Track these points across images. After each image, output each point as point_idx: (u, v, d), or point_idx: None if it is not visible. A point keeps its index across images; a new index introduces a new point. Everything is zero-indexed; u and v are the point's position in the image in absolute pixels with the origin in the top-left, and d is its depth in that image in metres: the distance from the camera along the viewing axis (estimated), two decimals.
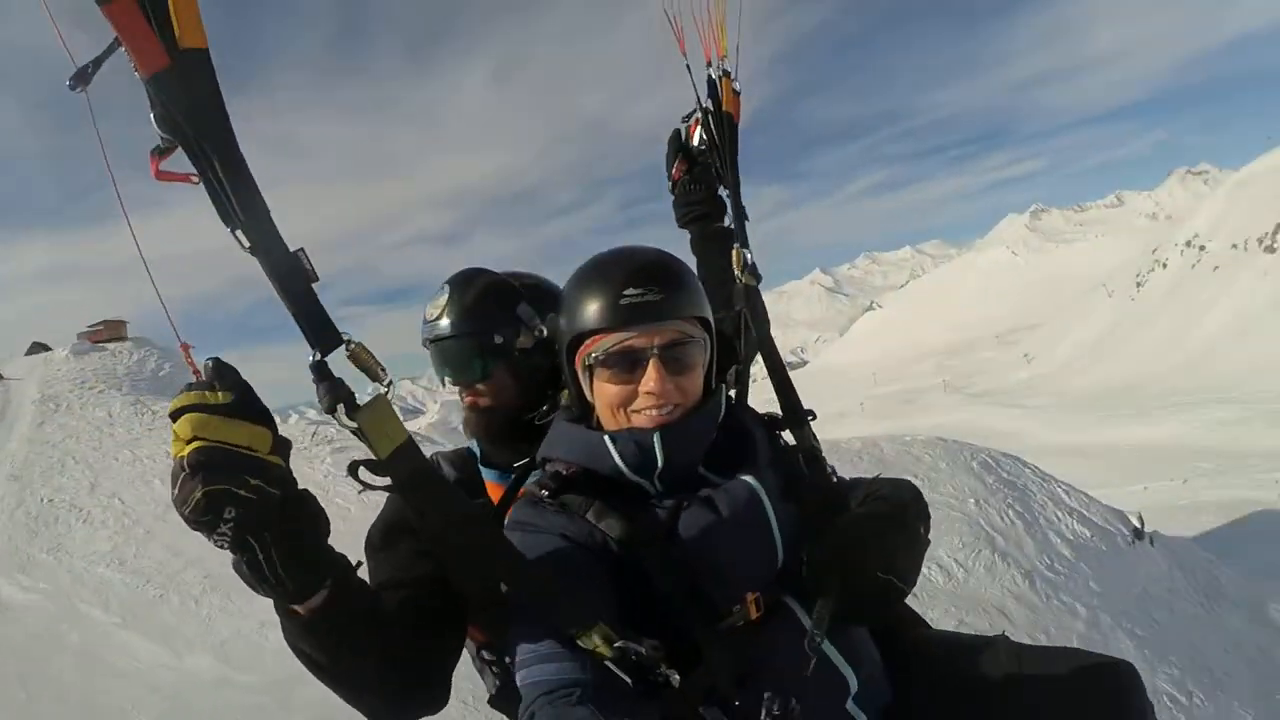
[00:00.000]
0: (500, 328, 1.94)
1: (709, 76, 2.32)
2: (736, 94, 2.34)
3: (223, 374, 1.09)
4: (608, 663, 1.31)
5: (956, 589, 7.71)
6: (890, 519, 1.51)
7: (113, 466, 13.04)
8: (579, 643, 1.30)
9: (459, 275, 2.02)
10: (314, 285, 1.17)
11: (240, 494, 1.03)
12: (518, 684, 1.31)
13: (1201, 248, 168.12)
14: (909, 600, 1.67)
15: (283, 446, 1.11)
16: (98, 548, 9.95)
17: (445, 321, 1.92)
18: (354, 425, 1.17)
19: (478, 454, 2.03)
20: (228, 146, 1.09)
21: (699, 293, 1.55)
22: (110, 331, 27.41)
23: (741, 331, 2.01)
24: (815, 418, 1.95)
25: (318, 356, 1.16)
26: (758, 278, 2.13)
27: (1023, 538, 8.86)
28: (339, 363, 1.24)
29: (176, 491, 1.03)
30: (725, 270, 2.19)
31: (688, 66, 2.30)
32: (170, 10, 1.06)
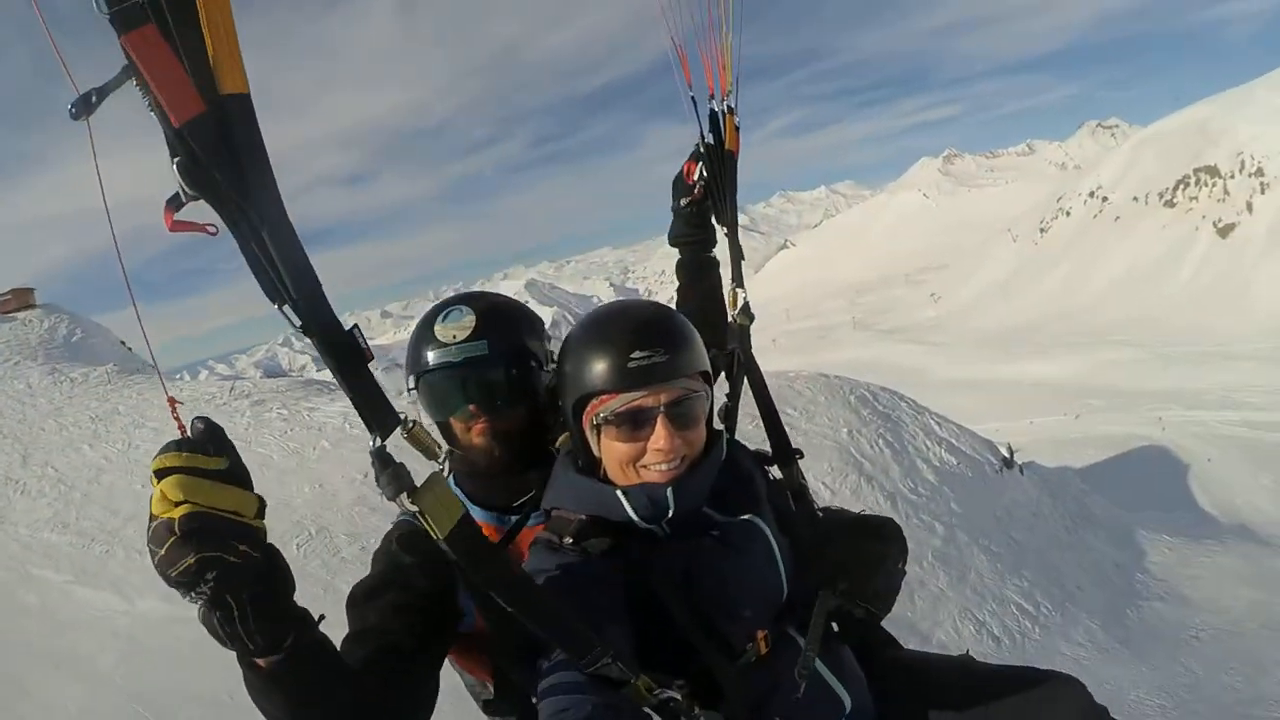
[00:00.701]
0: (540, 355, 1.90)
1: (711, 110, 2.24)
2: (737, 129, 2.27)
3: (215, 437, 1.07)
4: (647, 709, 1.38)
5: None
6: (875, 556, 1.71)
7: (40, 437, 13.04)
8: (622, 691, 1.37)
9: (476, 297, 1.93)
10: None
11: (229, 560, 1.03)
12: (540, 712, 1.35)
13: (1105, 199, 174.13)
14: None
15: (262, 508, 1.11)
16: (39, 515, 10.13)
17: (478, 344, 1.81)
18: (415, 509, 1.15)
19: (461, 494, 1.91)
20: (274, 211, 0.98)
21: (700, 347, 1.59)
22: (18, 300, 26.35)
23: (735, 370, 2.08)
24: (802, 456, 2.01)
25: (379, 442, 1.12)
26: (750, 318, 2.15)
27: (890, 464, 9.89)
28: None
29: (164, 553, 1.01)
30: (706, 297, 2.31)
31: (693, 99, 2.21)
32: (207, 44, 0.91)
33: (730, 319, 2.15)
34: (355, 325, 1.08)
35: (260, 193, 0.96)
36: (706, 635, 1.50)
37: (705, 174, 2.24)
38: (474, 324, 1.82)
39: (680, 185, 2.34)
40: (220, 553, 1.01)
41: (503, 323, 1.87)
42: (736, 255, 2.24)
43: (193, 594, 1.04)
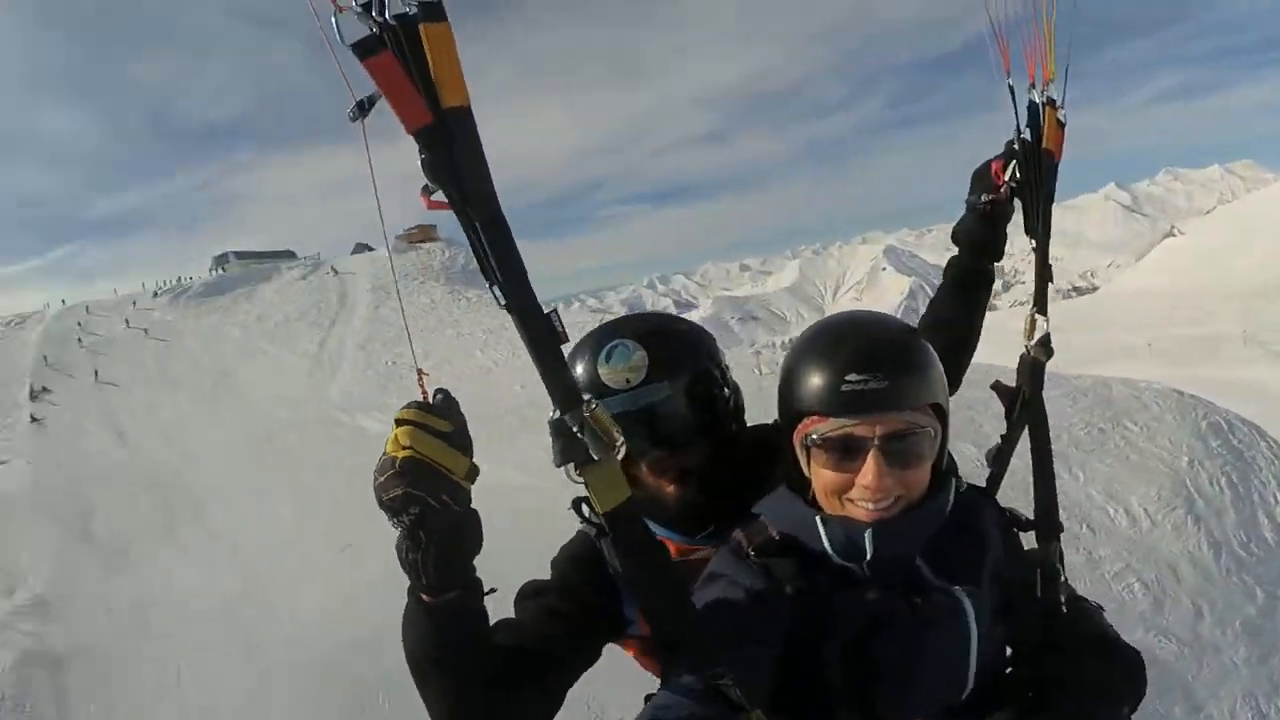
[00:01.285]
0: (722, 375, 1.79)
1: (1030, 101, 1.91)
2: (1061, 125, 1.91)
3: (449, 405, 1.21)
4: None
5: (1137, 536, 7.87)
6: (1097, 689, 1.49)
7: (440, 340, 16.14)
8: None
9: (639, 322, 1.82)
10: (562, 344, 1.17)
11: (431, 502, 1.16)
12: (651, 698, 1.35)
13: None
14: None
15: (473, 473, 1.21)
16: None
17: (657, 386, 1.66)
18: (580, 480, 1.20)
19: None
20: (489, 207, 1.10)
21: (932, 378, 1.39)
22: (423, 234, 32.06)
23: (1015, 411, 1.81)
24: (1063, 530, 1.73)
25: (558, 414, 1.18)
26: (1049, 354, 1.80)
27: (1227, 508, 8.61)
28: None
29: (382, 480, 1.16)
30: (962, 316, 2.10)
31: (1010, 88, 1.91)
32: (430, 67, 1.05)
33: (1024, 349, 1.80)
34: (554, 309, 1.16)
35: (476, 190, 1.08)
36: (856, 701, 1.39)
37: (1018, 177, 1.93)
38: (646, 362, 1.67)
39: (983, 179, 2.04)
40: (425, 493, 1.15)
41: (678, 353, 1.73)
42: (1043, 275, 1.88)
43: (396, 520, 1.20)
